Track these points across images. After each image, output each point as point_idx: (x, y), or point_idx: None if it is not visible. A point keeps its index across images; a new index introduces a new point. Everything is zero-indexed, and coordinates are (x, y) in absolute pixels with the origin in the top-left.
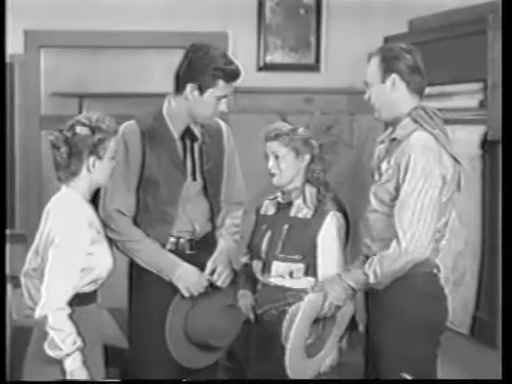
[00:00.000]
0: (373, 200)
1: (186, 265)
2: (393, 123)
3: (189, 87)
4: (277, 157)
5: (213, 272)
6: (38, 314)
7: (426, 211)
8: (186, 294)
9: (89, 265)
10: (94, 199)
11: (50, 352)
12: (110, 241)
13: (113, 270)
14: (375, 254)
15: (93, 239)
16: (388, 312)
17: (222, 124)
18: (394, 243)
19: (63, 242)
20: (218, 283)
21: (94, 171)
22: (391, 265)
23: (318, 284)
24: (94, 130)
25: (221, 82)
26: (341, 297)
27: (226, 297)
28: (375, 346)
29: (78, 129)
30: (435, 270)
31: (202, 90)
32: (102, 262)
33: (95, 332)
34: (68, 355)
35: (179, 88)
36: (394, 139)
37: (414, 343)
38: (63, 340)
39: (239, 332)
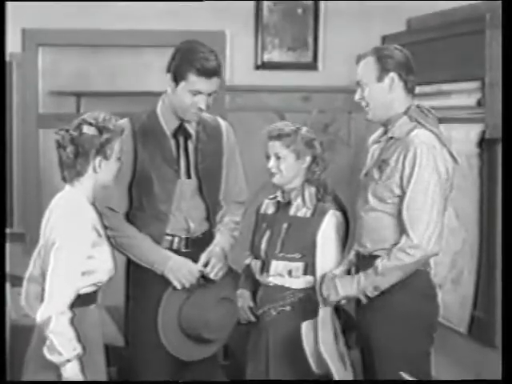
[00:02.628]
0: (371, 199)
1: (177, 257)
2: (386, 123)
3: (167, 77)
4: (278, 157)
5: (207, 265)
6: (39, 317)
7: (434, 207)
8: (178, 286)
9: (89, 268)
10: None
11: (49, 356)
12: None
13: (114, 274)
14: (370, 253)
15: (94, 242)
16: (382, 310)
17: (222, 123)
18: (403, 239)
19: (64, 245)
20: (211, 275)
21: (100, 171)
22: (400, 259)
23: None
24: (101, 129)
25: (191, 76)
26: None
27: (221, 289)
28: (370, 344)
29: (85, 128)
30: (428, 268)
31: (176, 82)
32: (102, 265)
33: (96, 333)
34: (68, 361)
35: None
36: (391, 138)
37: (409, 340)
38: (63, 345)
39: (235, 327)
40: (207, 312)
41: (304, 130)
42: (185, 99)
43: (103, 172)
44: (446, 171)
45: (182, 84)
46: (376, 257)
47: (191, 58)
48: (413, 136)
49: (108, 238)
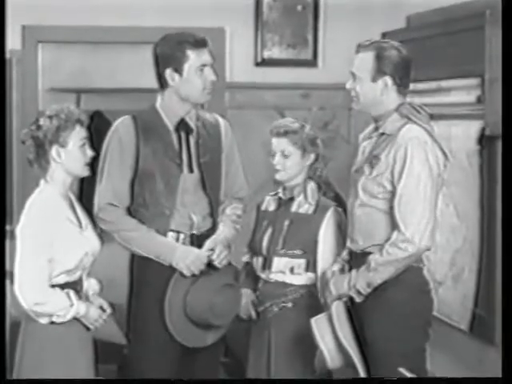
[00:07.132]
0: (362, 194)
1: (182, 246)
2: (377, 119)
3: (167, 75)
4: (284, 154)
5: (211, 252)
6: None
7: (426, 201)
8: (188, 274)
9: (53, 255)
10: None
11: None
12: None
13: (82, 263)
14: (362, 250)
15: (59, 231)
16: (377, 307)
17: (220, 119)
18: (395, 234)
19: (25, 233)
20: (216, 262)
21: (63, 161)
22: (392, 254)
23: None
24: (51, 119)
25: (189, 53)
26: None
27: (225, 276)
28: (366, 340)
29: (41, 121)
30: (421, 264)
31: (179, 71)
32: (67, 253)
33: (80, 327)
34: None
35: (162, 82)
36: (382, 134)
37: (405, 337)
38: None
39: (236, 324)
40: (212, 297)
41: (308, 127)
42: (196, 79)
43: (67, 161)
44: (438, 166)
45: (186, 67)
46: (368, 254)
47: (178, 40)
48: (404, 131)
49: (95, 228)
